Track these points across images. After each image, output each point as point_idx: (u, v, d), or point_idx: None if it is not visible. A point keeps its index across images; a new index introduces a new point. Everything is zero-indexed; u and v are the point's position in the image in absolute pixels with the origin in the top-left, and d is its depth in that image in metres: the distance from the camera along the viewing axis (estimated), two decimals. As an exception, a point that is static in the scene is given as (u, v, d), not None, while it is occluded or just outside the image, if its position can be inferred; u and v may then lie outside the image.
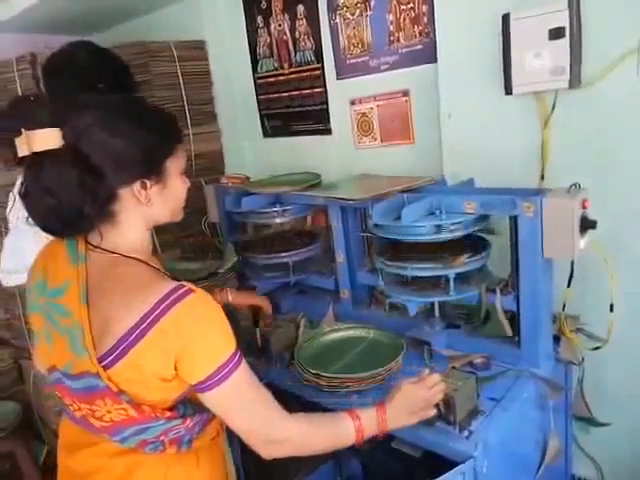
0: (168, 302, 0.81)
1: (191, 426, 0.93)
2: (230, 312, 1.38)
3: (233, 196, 1.76)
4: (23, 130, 0.79)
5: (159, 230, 1.80)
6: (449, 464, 1.06)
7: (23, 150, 0.80)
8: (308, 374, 1.33)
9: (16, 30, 2.45)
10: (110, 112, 0.86)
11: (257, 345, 1.53)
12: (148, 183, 0.89)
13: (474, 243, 1.39)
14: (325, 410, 1.32)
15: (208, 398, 0.87)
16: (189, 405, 0.94)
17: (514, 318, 1.33)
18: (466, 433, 1.10)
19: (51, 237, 0.96)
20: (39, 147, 0.79)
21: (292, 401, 1.47)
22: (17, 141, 0.80)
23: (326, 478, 1.56)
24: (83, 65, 1.30)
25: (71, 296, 0.87)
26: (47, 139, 0.79)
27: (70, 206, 0.81)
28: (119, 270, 0.88)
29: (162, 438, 0.91)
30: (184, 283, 0.85)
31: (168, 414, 0.89)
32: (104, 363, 0.83)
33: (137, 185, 0.87)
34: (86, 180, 0.81)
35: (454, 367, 1.27)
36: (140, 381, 0.85)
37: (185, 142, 2.13)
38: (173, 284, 0.84)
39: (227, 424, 0.91)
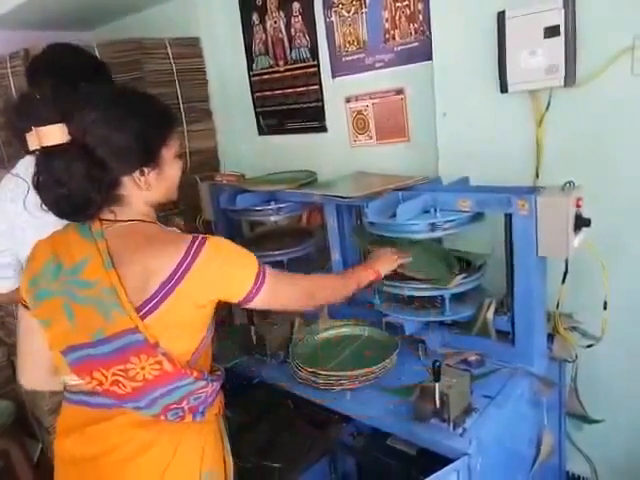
0: (196, 247, 0.94)
1: (210, 392, 1.03)
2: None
3: (228, 194, 1.75)
4: (32, 127, 0.88)
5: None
6: (444, 461, 1.06)
7: (34, 144, 0.89)
8: (303, 372, 1.33)
9: (9, 27, 2.43)
10: (111, 108, 0.94)
11: (252, 343, 1.53)
12: (146, 170, 0.97)
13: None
14: (320, 408, 1.33)
15: (254, 304, 1.02)
16: (207, 373, 1.03)
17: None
18: (460, 430, 1.10)
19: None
20: (48, 142, 0.88)
21: (285, 398, 1.48)
22: (27, 136, 0.89)
23: (321, 475, 1.55)
24: (65, 65, 1.31)
25: (92, 268, 0.93)
26: (55, 135, 0.88)
27: (79, 194, 0.91)
28: (142, 231, 0.98)
29: (184, 404, 0.98)
30: (197, 234, 0.97)
31: (196, 374, 0.98)
32: (143, 312, 0.91)
33: (137, 173, 0.96)
34: (92, 171, 0.90)
35: (448, 365, 1.27)
36: (175, 323, 0.94)
37: (180, 139, 2.14)
38: (192, 235, 0.97)
39: (276, 309, 1.21)
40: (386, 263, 1.35)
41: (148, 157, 0.97)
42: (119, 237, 0.96)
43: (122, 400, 0.97)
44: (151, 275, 0.91)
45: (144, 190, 0.98)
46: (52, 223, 1.01)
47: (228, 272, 0.98)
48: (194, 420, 1.02)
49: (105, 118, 0.92)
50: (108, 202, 0.97)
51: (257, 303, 1.02)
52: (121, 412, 0.98)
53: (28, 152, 0.91)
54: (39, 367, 1.06)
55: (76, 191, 0.90)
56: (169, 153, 1.01)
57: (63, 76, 1.23)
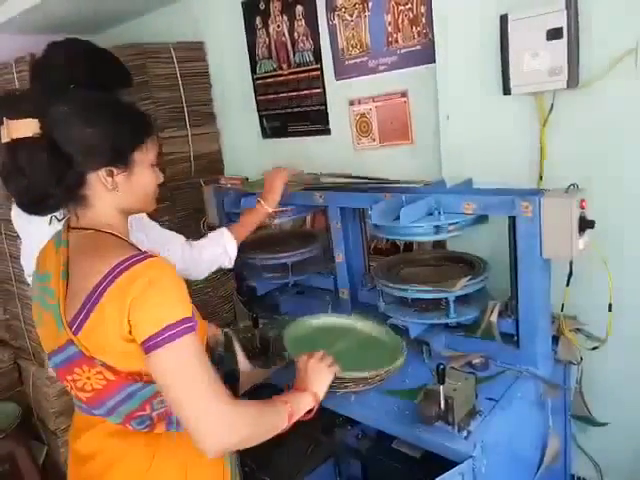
0: (128, 263, 0.87)
1: None
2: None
3: (232, 197, 1.76)
4: (4, 119, 0.90)
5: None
6: (449, 464, 1.06)
7: (4, 137, 0.90)
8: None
9: (15, 31, 2.45)
10: (84, 106, 0.96)
11: (256, 346, 1.53)
12: (115, 171, 0.96)
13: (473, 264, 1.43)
14: (324, 411, 1.32)
15: (152, 360, 0.85)
16: None
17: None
18: (465, 433, 1.10)
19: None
20: (18, 134, 0.90)
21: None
22: (0, 129, 0.91)
23: (325, 478, 1.55)
24: (55, 66, 1.31)
25: (55, 277, 0.95)
26: (26, 127, 0.89)
27: (38, 185, 0.91)
28: (92, 241, 0.96)
29: (148, 411, 0.95)
30: (150, 253, 0.90)
31: (146, 378, 0.90)
32: (74, 328, 0.89)
33: (103, 172, 0.95)
34: (55, 163, 0.90)
35: (453, 367, 1.27)
36: (107, 346, 0.88)
37: (183, 142, 2.14)
38: (139, 252, 0.90)
39: (164, 396, 0.88)
40: (324, 381, 1.12)
41: (117, 157, 0.95)
42: (76, 246, 0.96)
43: (86, 407, 0.98)
44: (83, 288, 0.88)
45: (111, 191, 0.96)
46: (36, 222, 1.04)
47: (145, 300, 0.85)
48: (169, 430, 0.97)
49: (78, 114, 0.93)
50: (73, 202, 0.96)
51: (157, 361, 0.84)
52: (100, 420, 0.98)
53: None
54: None
55: (36, 182, 0.90)
56: (143, 159, 1.00)
57: (53, 77, 1.24)
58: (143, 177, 1.01)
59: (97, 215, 0.97)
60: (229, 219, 1.90)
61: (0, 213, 2.10)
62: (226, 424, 0.86)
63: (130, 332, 0.86)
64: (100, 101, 0.99)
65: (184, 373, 0.86)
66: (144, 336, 0.85)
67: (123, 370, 0.90)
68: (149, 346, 0.84)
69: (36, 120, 0.90)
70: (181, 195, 2.18)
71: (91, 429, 1.00)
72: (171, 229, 1.50)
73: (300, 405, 1.04)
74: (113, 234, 0.97)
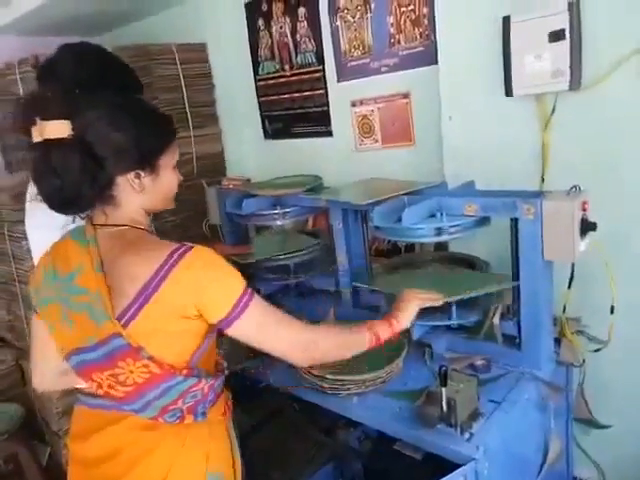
0: (177, 255, 0.93)
1: (206, 391, 1.02)
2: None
3: (234, 198, 1.76)
4: (37, 120, 0.91)
5: (161, 232, 1.81)
6: (451, 466, 1.06)
7: (37, 137, 0.92)
8: (310, 376, 1.33)
9: (19, 33, 2.47)
10: (115, 110, 0.97)
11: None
12: (142, 174, 0.99)
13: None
14: (327, 413, 1.33)
15: (235, 331, 0.97)
16: (202, 370, 1.02)
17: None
18: (467, 435, 1.10)
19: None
20: (51, 135, 0.91)
21: (292, 402, 1.48)
22: (32, 129, 0.92)
23: (328, 479, 1.56)
24: (62, 70, 1.31)
25: (86, 274, 0.95)
26: (58, 129, 0.91)
27: (71, 186, 0.92)
28: (128, 236, 0.98)
29: (180, 404, 0.99)
30: (186, 243, 0.96)
31: (185, 372, 0.97)
32: (123, 321, 0.91)
33: (132, 175, 0.98)
34: (88, 166, 0.92)
35: (455, 369, 1.27)
36: (159, 332, 0.93)
37: (185, 144, 2.14)
38: (177, 244, 0.96)
39: (262, 349, 1.01)
40: (411, 312, 1.21)
41: (145, 161, 0.99)
42: (108, 242, 0.97)
43: (120, 403, 0.99)
44: (132, 281, 0.91)
45: (138, 193, 0.99)
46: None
47: (208, 285, 0.94)
48: (196, 421, 1.02)
49: (108, 118, 0.95)
50: (101, 201, 0.98)
51: (239, 330, 0.96)
52: (125, 415, 1.00)
53: (30, 145, 0.94)
54: (49, 369, 1.10)
55: (69, 183, 0.92)
56: (167, 162, 1.03)
57: (59, 81, 1.24)
58: (167, 179, 1.05)
59: (125, 213, 1.00)
60: (231, 220, 1.90)
61: (5, 214, 2.10)
62: (310, 343, 1.03)
63: (196, 315, 0.94)
64: (128, 105, 1.01)
65: (266, 328, 0.99)
66: (219, 317, 0.95)
67: (167, 363, 0.95)
68: (227, 322, 0.95)
69: (68, 122, 0.91)
70: (184, 196, 2.18)
71: (110, 426, 1.00)
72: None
73: (383, 333, 1.15)
74: (144, 229, 1.02)
